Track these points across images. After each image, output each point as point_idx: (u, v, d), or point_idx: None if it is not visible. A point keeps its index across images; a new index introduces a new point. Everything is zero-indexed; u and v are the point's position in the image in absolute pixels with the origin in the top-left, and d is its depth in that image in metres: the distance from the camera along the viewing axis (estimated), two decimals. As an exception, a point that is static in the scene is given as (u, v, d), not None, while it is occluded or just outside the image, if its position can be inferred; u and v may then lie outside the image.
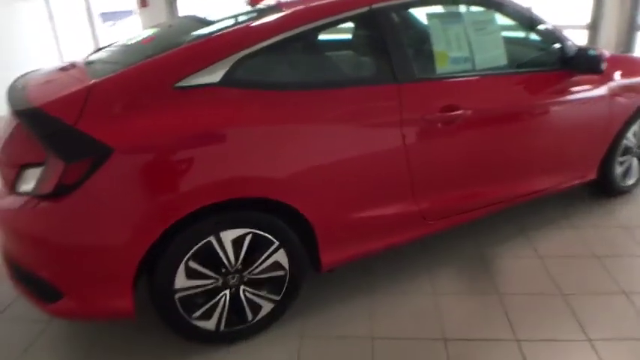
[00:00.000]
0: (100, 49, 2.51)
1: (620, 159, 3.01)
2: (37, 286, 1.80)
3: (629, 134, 2.95)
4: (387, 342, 2.02)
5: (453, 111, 2.16)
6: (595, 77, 2.61)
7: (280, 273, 2.02)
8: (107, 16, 12.54)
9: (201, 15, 2.49)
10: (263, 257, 1.95)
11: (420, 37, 2.30)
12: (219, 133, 1.77)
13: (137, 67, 1.81)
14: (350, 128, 1.99)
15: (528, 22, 2.54)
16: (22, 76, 2.20)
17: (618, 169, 3.03)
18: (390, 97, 2.05)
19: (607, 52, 2.81)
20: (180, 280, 1.83)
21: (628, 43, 5.75)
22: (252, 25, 1.99)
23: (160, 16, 6.33)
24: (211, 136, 1.76)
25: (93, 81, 1.76)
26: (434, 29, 2.19)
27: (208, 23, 2.33)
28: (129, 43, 2.34)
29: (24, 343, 2.08)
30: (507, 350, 1.96)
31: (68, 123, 1.64)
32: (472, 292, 2.33)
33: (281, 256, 1.98)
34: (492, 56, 2.31)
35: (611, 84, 2.71)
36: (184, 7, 6.63)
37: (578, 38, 6.28)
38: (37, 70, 2.30)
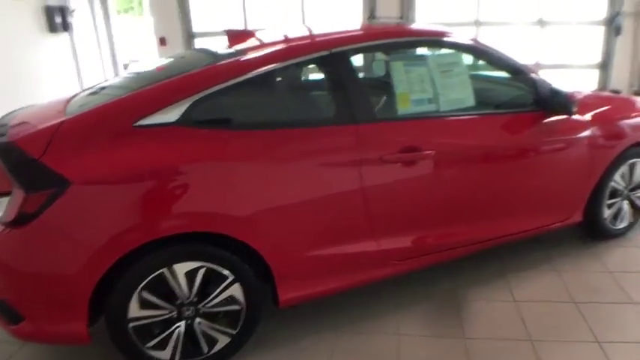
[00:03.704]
0: (93, 86, 2.67)
1: (609, 202, 2.93)
2: (2, 309, 1.89)
3: (616, 177, 2.88)
4: (340, 381, 2.01)
5: (414, 152, 2.17)
6: (576, 118, 2.57)
7: (236, 307, 2.04)
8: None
9: (212, 48, 2.58)
10: (217, 291, 1.99)
11: (382, 79, 2.35)
12: (172, 170, 1.86)
13: (103, 106, 1.94)
14: (307, 167, 2.04)
15: (499, 63, 2.55)
16: (12, 111, 2.37)
17: (607, 212, 2.95)
18: (348, 137, 2.09)
19: (581, 93, 2.77)
20: (134, 310, 1.89)
21: (641, 83, 5.65)
22: (211, 67, 2.09)
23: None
24: (164, 172, 1.85)
25: (65, 118, 1.90)
26: (396, 71, 2.24)
27: (214, 56, 2.39)
28: (140, 70, 2.52)
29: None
30: (462, 396, 1.92)
31: (33, 156, 1.76)
32: (437, 335, 2.29)
33: (236, 291, 2.01)
34: (458, 98, 2.32)
35: (593, 125, 2.66)
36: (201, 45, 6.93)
37: (588, 78, 6.23)
38: (30, 106, 2.47)
